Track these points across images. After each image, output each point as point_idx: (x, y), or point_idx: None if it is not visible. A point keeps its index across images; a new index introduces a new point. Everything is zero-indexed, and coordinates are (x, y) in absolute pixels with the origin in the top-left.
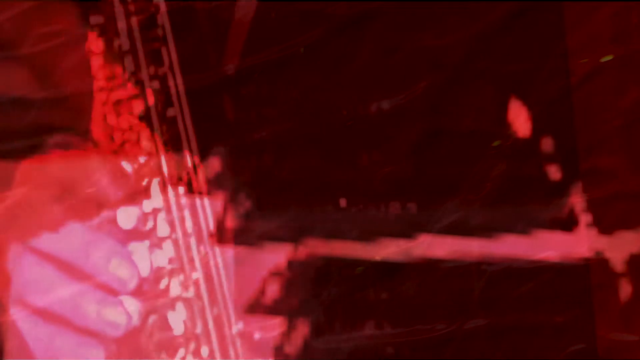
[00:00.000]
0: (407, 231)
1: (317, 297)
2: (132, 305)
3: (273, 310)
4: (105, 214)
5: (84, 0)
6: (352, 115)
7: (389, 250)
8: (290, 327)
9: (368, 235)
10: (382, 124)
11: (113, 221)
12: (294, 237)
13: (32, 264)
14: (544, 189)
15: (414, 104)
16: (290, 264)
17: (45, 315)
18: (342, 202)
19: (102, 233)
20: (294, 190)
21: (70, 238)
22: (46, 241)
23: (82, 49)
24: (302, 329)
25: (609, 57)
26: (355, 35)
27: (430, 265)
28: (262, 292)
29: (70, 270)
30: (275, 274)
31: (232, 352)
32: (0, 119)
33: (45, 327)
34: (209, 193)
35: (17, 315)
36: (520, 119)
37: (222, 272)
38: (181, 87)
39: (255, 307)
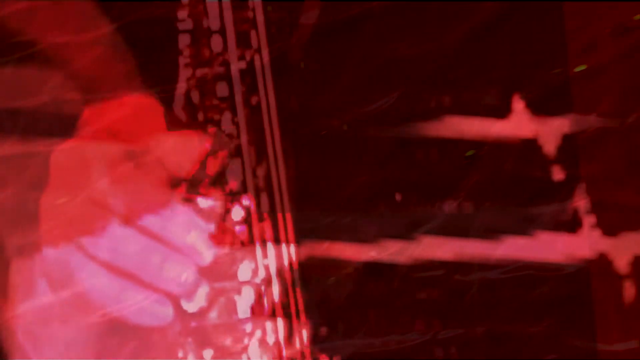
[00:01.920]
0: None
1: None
2: (202, 283)
3: (338, 305)
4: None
5: None
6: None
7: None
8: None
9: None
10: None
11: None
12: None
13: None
14: (548, 190)
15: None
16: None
17: (115, 269)
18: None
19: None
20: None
21: (151, 202)
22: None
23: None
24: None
25: (582, 67)
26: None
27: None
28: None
29: (144, 230)
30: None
31: (297, 342)
32: None
33: (116, 280)
34: (287, 180)
35: (88, 269)
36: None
37: (292, 263)
38: (268, 72)
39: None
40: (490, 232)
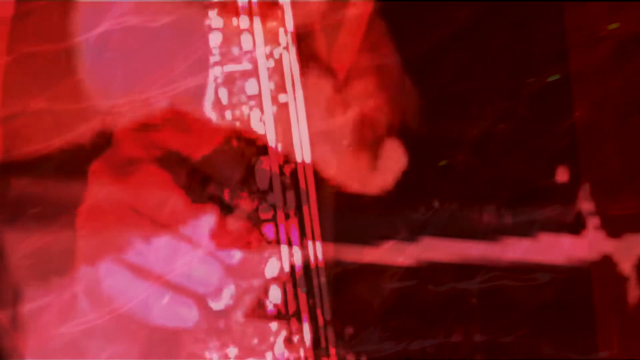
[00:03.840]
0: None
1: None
2: (228, 282)
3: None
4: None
5: None
6: None
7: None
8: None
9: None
10: None
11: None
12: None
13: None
14: (552, 192)
15: None
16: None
17: (139, 270)
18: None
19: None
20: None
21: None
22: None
23: None
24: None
25: (556, 77)
26: None
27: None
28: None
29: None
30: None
31: (323, 343)
32: None
33: (141, 281)
34: (314, 178)
35: (111, 268)
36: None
37: (319, 262)
38: (296, 71)
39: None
40: (493, 234)
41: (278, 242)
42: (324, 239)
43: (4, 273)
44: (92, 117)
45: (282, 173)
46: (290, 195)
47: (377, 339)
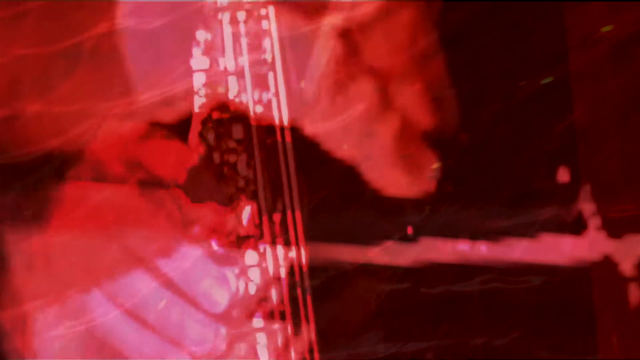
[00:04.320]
0: None
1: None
2: (219, 329)
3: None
4: (199, 230)
5: None
6: None
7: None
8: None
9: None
10: None
11: (206, 241)
12: None
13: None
14: (552, 192)
15: None
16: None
17: (134, 316)
18: None
19: (198, 249)
20: None
21: (167, 246)
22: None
23: None
24: None
25: (549, 79)
26: None
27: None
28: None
29: (164, 279)
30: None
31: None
32: None
33: (135, 328)
34: (303, 224)
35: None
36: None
37: (308, 304)
38: (285, 115)
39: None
40: (495, 235)
41: (266, 289)
42: (314, 240)
43: (4, 274)
44: (87, 119)
45: (271, 220)
46: (280, 240)
47: (370, 341)
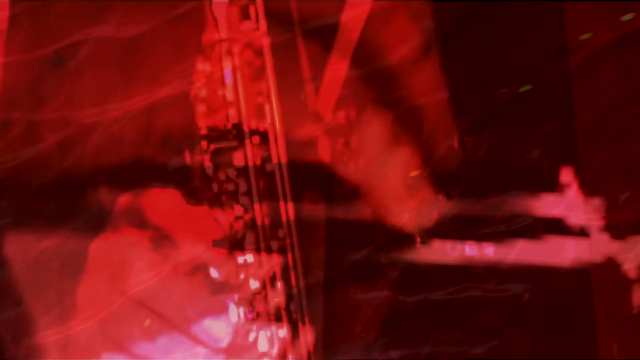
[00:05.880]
0: None
1: None
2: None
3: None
4: (199, 263)
5: None
6: None
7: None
8: None
9: None
10: None
11: (206, 271)
12: None
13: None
14: (552, 193)
15: None
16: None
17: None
18: None
19: (198, 286)
20: None
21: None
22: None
23: None
24: None
25: (527, 87)
26: None
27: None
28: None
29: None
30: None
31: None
32: None
33: None
34: (301, 250)
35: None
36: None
37: (308, 329)
38: (282, 143)
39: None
40: (494, 237)
41: (267, 315)
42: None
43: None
44: (63, 127)
45: (269, 248)
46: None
47: (362, 347)
